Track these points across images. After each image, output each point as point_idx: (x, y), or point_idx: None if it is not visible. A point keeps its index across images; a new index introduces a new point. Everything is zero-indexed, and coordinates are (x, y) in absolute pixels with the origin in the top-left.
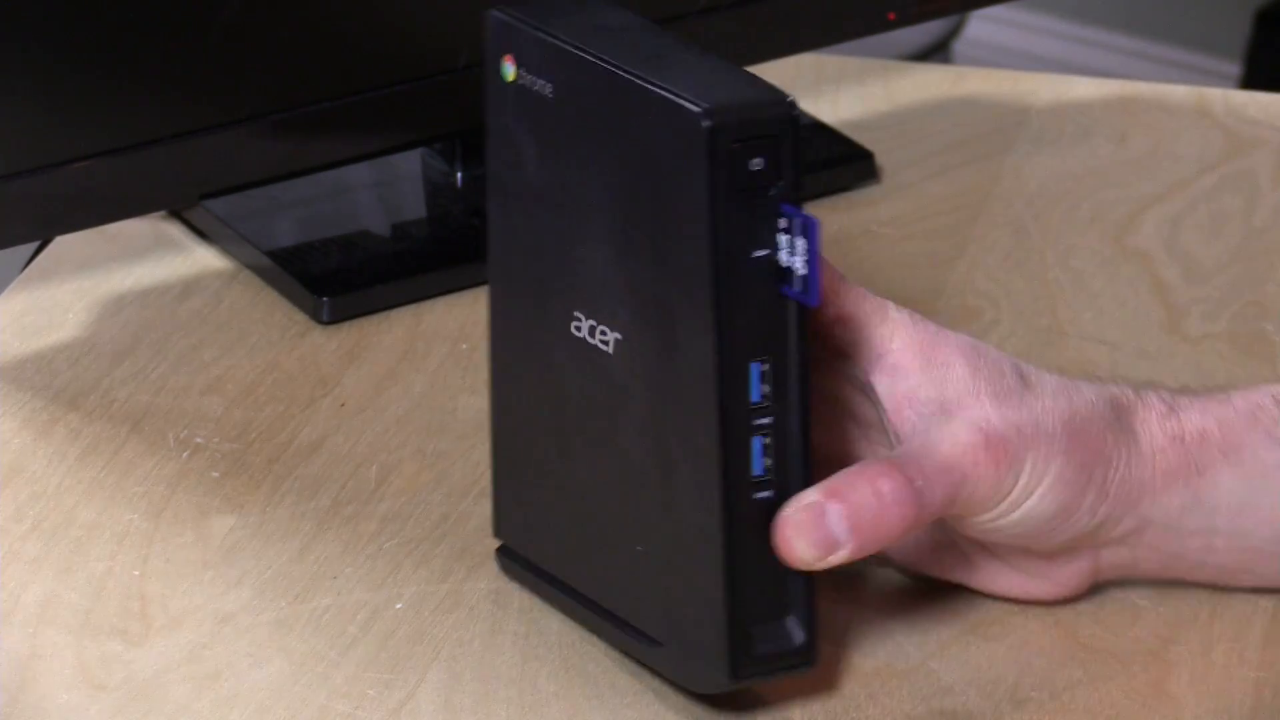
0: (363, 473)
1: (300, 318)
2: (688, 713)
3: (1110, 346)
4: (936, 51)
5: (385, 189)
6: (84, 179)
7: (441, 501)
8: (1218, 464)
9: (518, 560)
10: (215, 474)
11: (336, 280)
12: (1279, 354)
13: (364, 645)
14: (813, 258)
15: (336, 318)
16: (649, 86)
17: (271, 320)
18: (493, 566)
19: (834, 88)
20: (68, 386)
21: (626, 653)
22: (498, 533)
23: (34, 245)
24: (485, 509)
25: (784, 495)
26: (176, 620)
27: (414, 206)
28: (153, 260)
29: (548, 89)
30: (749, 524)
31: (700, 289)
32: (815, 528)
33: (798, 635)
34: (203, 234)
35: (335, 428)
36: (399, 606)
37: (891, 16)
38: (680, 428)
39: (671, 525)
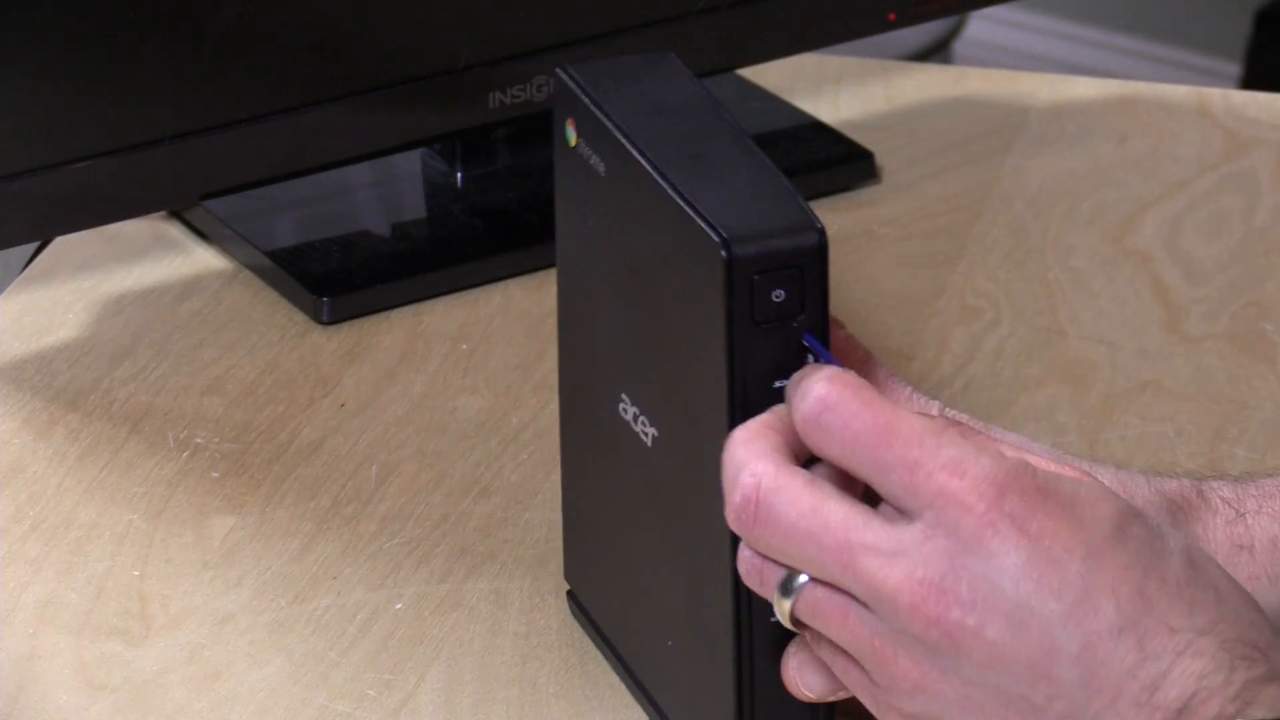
0: (363, 473)
1: (300, 318)
2: None
3: (1110, 346)
4: (936, 51)
5: (385, 189)
6: (84, 179)
7: (441, 501)
8: None
9: (581, 608)
10: (215, 474)
11: (336, 280)
12: (1279, 354)
13: (364, 645)
14: None
15: (336, 318)
16: (678, 201)
17: (271, 320)
18: (492, 566)
19: (834, 88)
20: (68, 386)
21: None
22: (568, 576)
23: (34, 245)
24: (485, 509)
25: None
26: (176, 620)
27: (414, 206)
28: (153, 260)
29: (601, 166)
30: (764, 648)
31: (720, 415)
32: (818, 665)
33: None
34: (203, 234)
35: (335, 428)
36: (399, 606)
37: (891, 17)
38: (703, 537)
39: (693, 631)
